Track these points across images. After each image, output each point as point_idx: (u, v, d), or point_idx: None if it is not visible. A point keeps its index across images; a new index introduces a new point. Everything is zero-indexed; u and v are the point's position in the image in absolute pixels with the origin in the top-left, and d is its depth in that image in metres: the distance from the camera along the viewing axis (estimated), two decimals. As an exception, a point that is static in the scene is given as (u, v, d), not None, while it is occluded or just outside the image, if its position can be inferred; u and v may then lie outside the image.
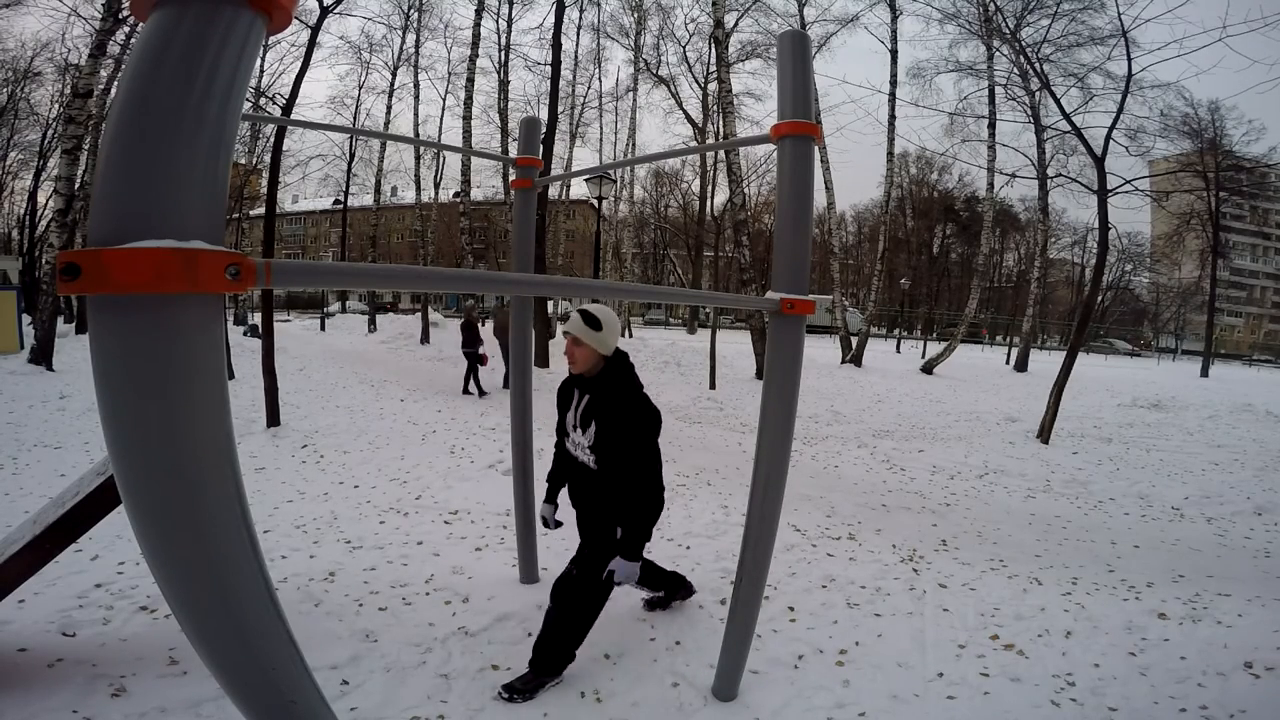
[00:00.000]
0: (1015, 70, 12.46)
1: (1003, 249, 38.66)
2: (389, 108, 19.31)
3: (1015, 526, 4.29)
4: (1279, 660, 2.51)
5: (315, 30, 7.45)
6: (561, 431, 2.36)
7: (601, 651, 2.42)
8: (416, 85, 18.19)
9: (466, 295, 15.13)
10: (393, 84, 18.90)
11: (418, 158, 19.72)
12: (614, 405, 2.12)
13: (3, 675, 2.03)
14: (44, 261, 12.35)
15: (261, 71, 14.03)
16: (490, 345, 9.47)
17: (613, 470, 2.13)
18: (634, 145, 20.50)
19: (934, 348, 19.47)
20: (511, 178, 3.06)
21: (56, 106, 19.06)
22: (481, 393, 8.88)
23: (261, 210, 14.15)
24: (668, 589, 2.75)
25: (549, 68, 12.68)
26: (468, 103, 13.67)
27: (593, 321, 2.10)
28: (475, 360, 8.88)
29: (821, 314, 18.44)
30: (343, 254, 25.93)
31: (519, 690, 2.13)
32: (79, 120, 8.47)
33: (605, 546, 2.18)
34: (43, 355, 8.19)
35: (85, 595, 2.58)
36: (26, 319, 9.58)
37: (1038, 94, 12.17)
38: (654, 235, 39.76)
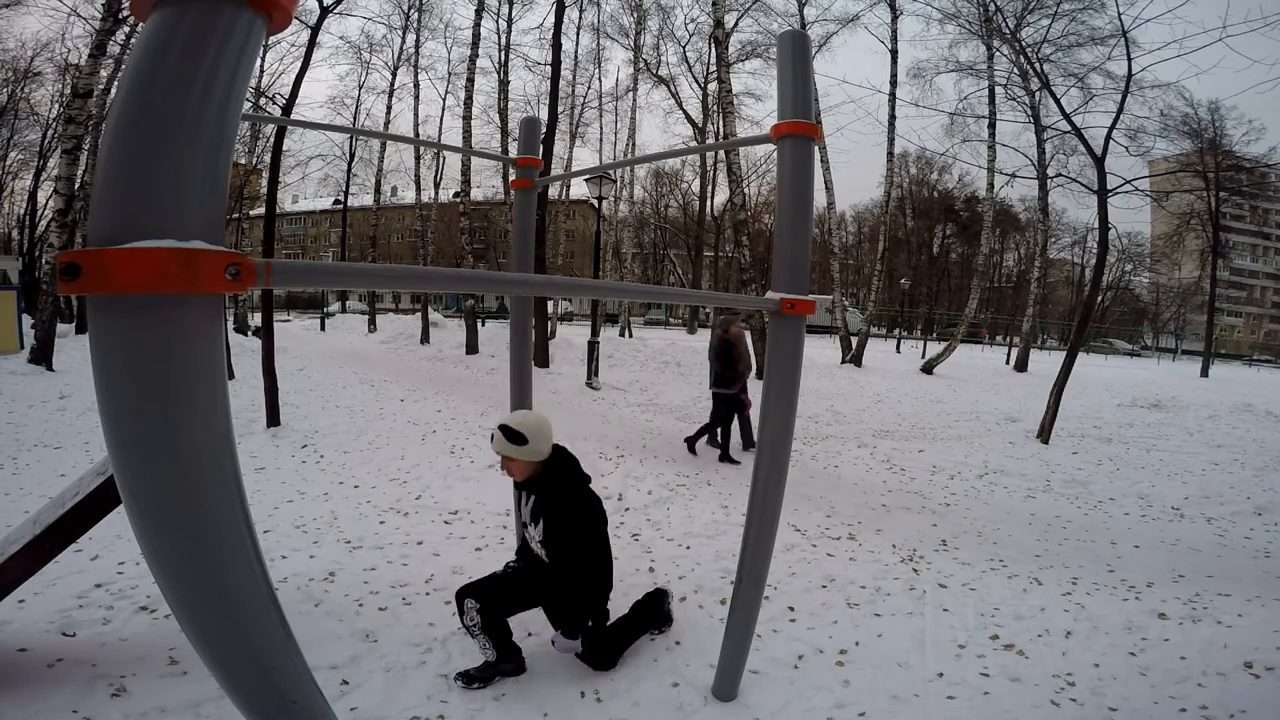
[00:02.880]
0: (1015, 70, 12.45)
1: (1003, 249, 38.66)
2: (389, 108, 19.32)
3: (1015, 526, 4.29)
4: (1279, 660, 2.52)
5: (315, 30, 7.44)
6: (520, 522, 2.47)
7: (601, 651, 2.42)
8: (416, 85, 18.17)
9: (467, 296, 15.14)
10: (393, 84, 18.91)
11: (418, 158, 19.71)
12: (556, 505, 2.24)
13: (3, 675, 2.03)
14: (44, 261, 12.36)
15: (261, 71, 14.04)
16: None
17: (560, 563, 2.26)
18: (634, 145, 20.46)
19: (934, 348, 19.45)
20: (511, 178, 3.06)
21: (56, 106, 19.06)
22: (728, 453, 5.64)
23: (261, 210, 14.15)
24: (644, 627, 2.55)
25: (549, 68, 12.67)
26: (468, 103, 13.65)
27: (515, 437, 2.19)
28: (734, 405, 5.67)
29: (821, 314, 18.42)
30: (343, 254, 25.96)
31: (475, 677, 2.19)
32: (79, 120, 8.47)
33: (539, 600, 2.33)
34: (43, 355, 8.18)
35: (85, 595, 2.58)
36: (27, 319, 9.58)
37: (1038, 94, 12.15)
38: (654, 235, 39.75)
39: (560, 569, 2.25)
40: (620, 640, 2.42)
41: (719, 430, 5.78)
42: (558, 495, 2.25)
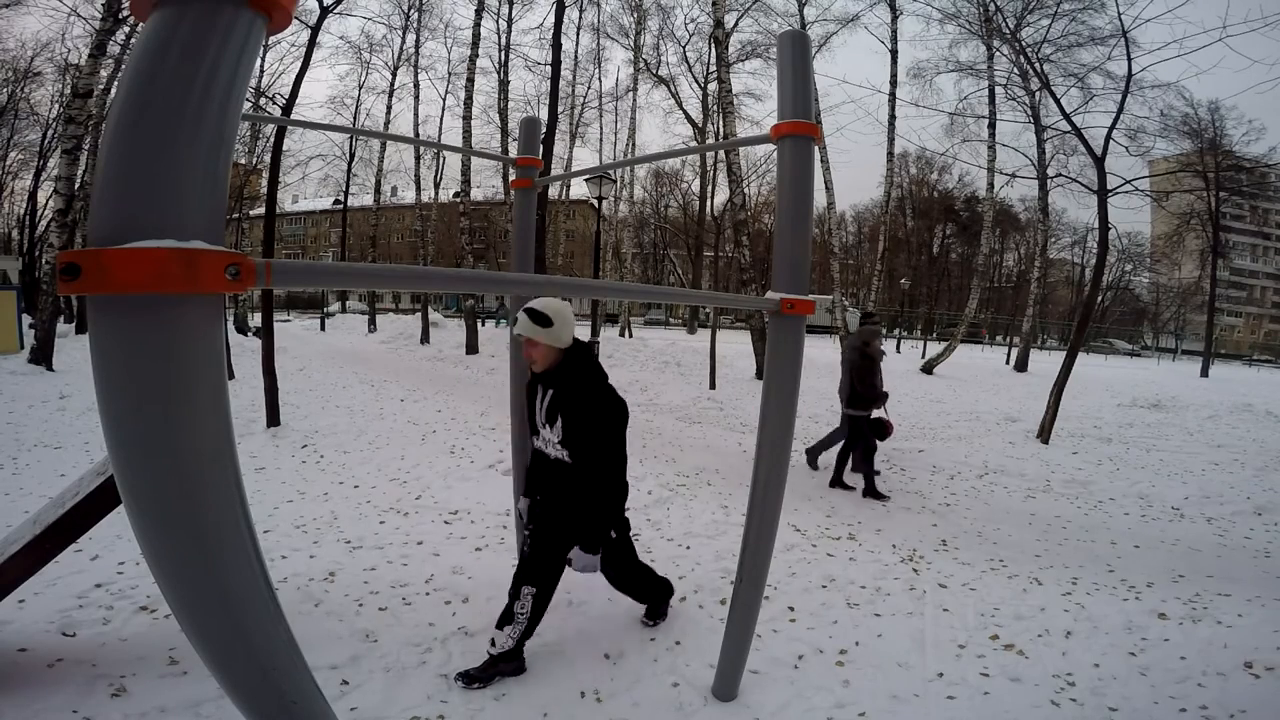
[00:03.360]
0: (1015, 70, 12.46)
1: (1003, 249, 38.65)
2: (389, 108, 19.35)
3: (1015, 526, 4.29)
4: (1279, 660, 2.52)
5: (315, 30, 7.44)
6: (532, 429, 2.33)
7: (601, 651, 2.42)
8: (416, 85, 18.20)
9: (467, 295, 15.14)
10: (393, 84, 18.94)
11: (418, 158, 19.73)
12: (578, 399, 2.11)
13: (3, 675, 2.03)
14: (44, 261, 12.37)
15: (261, 71, 14.04)
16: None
17: (583, 462, 2.14)
18: (634, 145, 20.48)
19: (934, 348, 19.47)
20: (511, 178, 3.06)
21: (56, 106, 19.08)
22: (875, 490, 4.75)
23: (261, 210, 14.15)
24: (652, 600, 2.62)
25: (549, 68, 12.70)
26: (468, 103, 13.66)
27: (541, 319, 2.07)
28: (873, 430, 4.94)
29: (821, 314, 18.41)
30: (343, 254, 25.97)
31: (475, 677, 2.18)
32: (79, 120, 8.47)
33: (568, 533, 2.18)
34: (43, 355, 8.18)
35: (85, 595, 2.58)
36: (27, 319, 9.58)
37: (1038, 94, 12.16)
38: (654, 235, 39.75)
39: (583, 469, 2.14)
40: (643, 569, 2.46)
41: (856, 455, 5.00)
42: (580, 388, 2.12)
